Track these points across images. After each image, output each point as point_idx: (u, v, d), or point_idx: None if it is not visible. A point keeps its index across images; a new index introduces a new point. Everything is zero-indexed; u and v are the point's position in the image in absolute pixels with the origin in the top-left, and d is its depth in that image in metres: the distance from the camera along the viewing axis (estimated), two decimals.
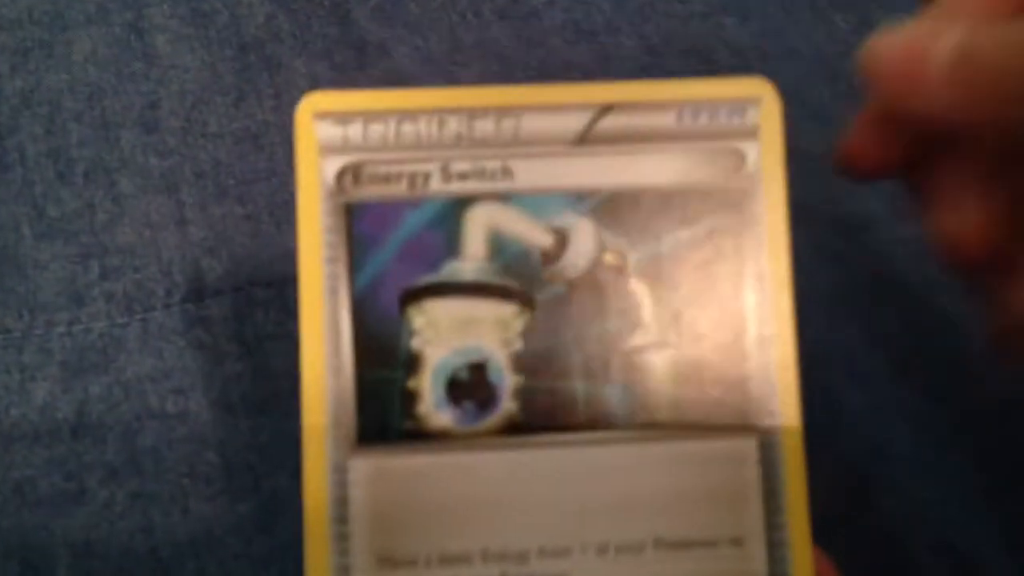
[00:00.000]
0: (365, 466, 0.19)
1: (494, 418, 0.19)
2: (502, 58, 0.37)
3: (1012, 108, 0.18)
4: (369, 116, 0.19)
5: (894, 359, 0.32)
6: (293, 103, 0.35)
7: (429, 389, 0.19)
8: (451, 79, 0.37)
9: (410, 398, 0.19)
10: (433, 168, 0.19)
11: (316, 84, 0.36)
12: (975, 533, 0.30)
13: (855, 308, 0.33)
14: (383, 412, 0.19)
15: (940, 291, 0.33)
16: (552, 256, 0.19)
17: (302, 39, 0.36)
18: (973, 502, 0.31)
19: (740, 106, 0.20)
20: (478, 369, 0.19)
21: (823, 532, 0.31)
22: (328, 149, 0.19)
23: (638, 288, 0.20)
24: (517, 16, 0.38)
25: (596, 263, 0.19)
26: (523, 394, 0.19)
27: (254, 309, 0.31)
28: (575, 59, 0.37)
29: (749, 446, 0.19)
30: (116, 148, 0.33)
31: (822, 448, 0.32)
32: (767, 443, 0.19)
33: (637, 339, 0.19)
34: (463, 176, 0.19)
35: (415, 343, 0.19)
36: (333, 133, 0.19)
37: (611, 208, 0.20)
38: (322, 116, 0.19)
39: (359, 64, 0.37)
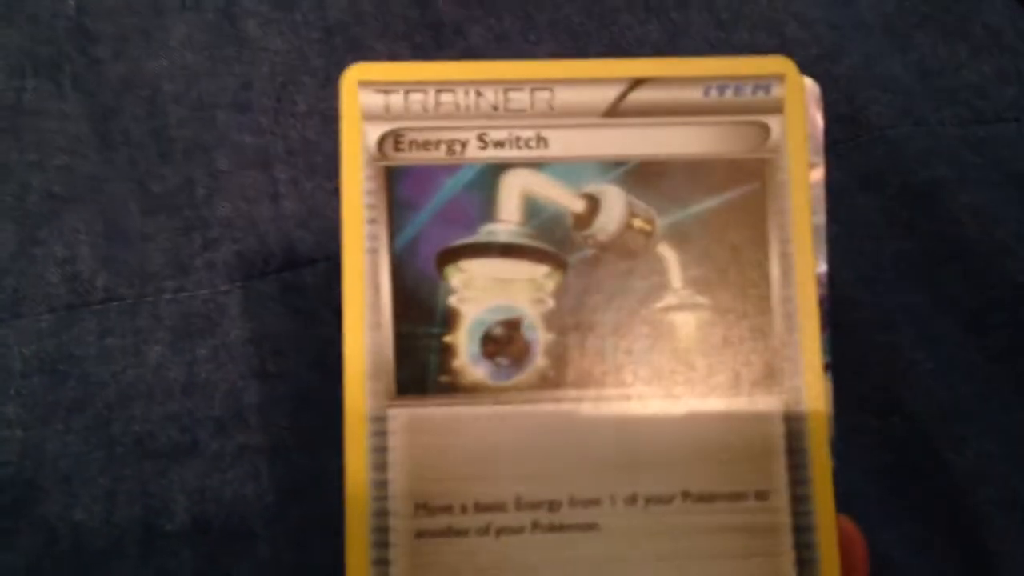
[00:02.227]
0: (403, 416, 0.20)
1: (527, 373, 0.20)
2: (575, 36, 0.39)
3: None
4: (410, 86, 0.20)
5: (962, 322, 0.32)
6: None
7: (465, 344, 0.20)
8: (524, 56, 0.38)
9: (446, 353, 0.20)
10: (470, 136, 0.20)
11: None
12: None
13: (924, 272, 0.33)
14: (420, 366, 0.20)
15: (1007, 255, 0.33)
16: (584, 221, 0.20)
17: (383, 21, 0.38)
18: None
19: (765, 82, 0.20)
20: (512, 326, 0.20)
21: (894, 489, 0.32)
22: (371, 116, 0.20)
23: (666, 252, 0.20)
24: None
25: (626, 228, 0.20)
26: (555, 351, 0.20)
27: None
28: (646, 35, 0.39)
29: (774, 403, 0.20)
30: (212, 128, 0.35)
31: (892, 407, 0.33)
32: (792, 400, 0.20)
33: (665, 300, 0.20)
34: (499, 144, 0.20)
35: (452, 300, 0.20)
36: (376, 101, 0.20)
37: (640, 176, 0.20)
38: (366, 85, 0.20)
39: (437, 44, 0.38)
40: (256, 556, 0.29)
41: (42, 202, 0.34)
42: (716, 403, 0.20)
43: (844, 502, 0.30)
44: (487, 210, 0.20)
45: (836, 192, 0.35)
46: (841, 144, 0.36)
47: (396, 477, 0.20)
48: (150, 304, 0.32)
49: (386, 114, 0.20)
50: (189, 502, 0.30)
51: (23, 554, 0.29)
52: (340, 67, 0.37)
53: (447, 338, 0.20)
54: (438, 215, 0.20)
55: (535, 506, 0.20)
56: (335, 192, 0.35)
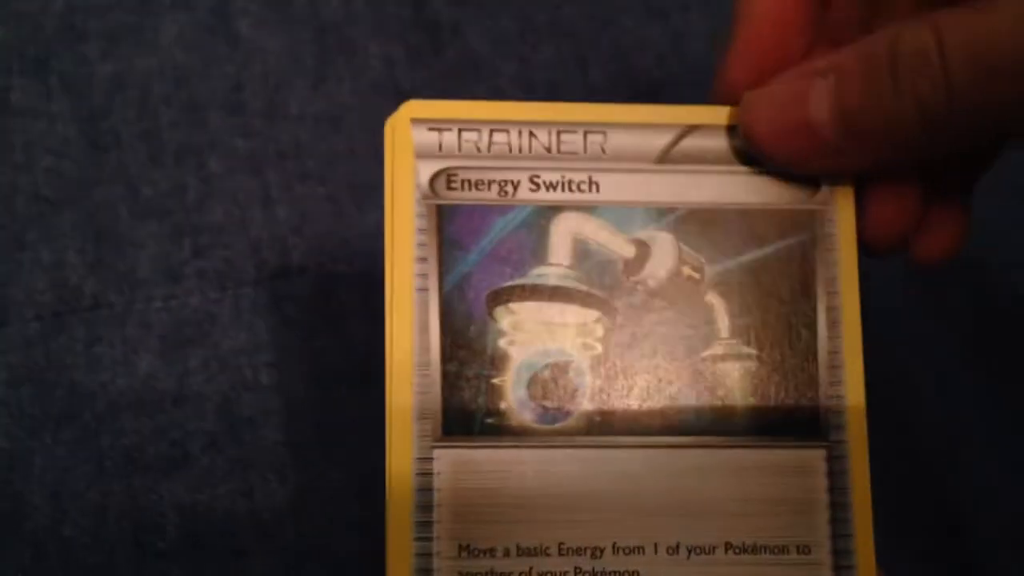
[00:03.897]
0: (449, 457, 0.20)
1: (573, 418, 0.20)
2: (574, 38, 0.38)
3: (892, 152, 0.19)
4: (463, 125, 0.20)
5: (966, 341, 0.33)
6: (369, 85, 0.37)
7: (512, 387, 0.20)
8: (522, 59, 0.38)
9: (494, 394, 0.20)
10: (522, 177, 0.20)
11: (391, 66, 0.37)
12: None
13: (929, 290, 0.33)
14: (467, 407, 0.20)
15: (1014, 272, 0.34)
16: (634, 266, 0.20)
17: (377, 21, 0.38)
18: None
19: None
20: (560, 370, 0.20)
21: (891, 513, 0.32)
22: (423, 154, 0.20)
23: (714, 300, 0.21)
24: None
25: (675, 275, 0.21)
26: (602, 396, 0.20)
27: (338, 286, 0.33)
28: (647, 38, 0.39)
29: (818, 457, 0.20)
30: (204, 130, 0.35)
31: (893, 429, 0.33)
32: (835, 455, 0.20)
33: (712, 349, 0.20)
34: (551, 186, 0.20)
35: (501, 342, 0.20)
36: (429, 139, 0.20)
37: (690, 223, 0.21)
38: (418, 122, 0.20)
39: (433, 45, 0.38)
40: (249, 574, 0.29)
41: (29, 205, 0.34)
42: (760, 454, 0.20)
43: None
44: (538, 252, 0.20)
45: None
46: None
47: (440, 518, 0.20)
48: (140, 312, 0.32)
49: (439, 152, 0.20)
50: (180, 518, 0.29)
51: (11, 571, 0.28)
52: (332, 68, 0.37)
53: (495, 380, 0.20)
54: (488, 256, 0.20)
55: (578, 552, 0.20)
56: (328, 198, 0.35)
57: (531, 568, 0.20)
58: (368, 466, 0.31)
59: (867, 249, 0.22)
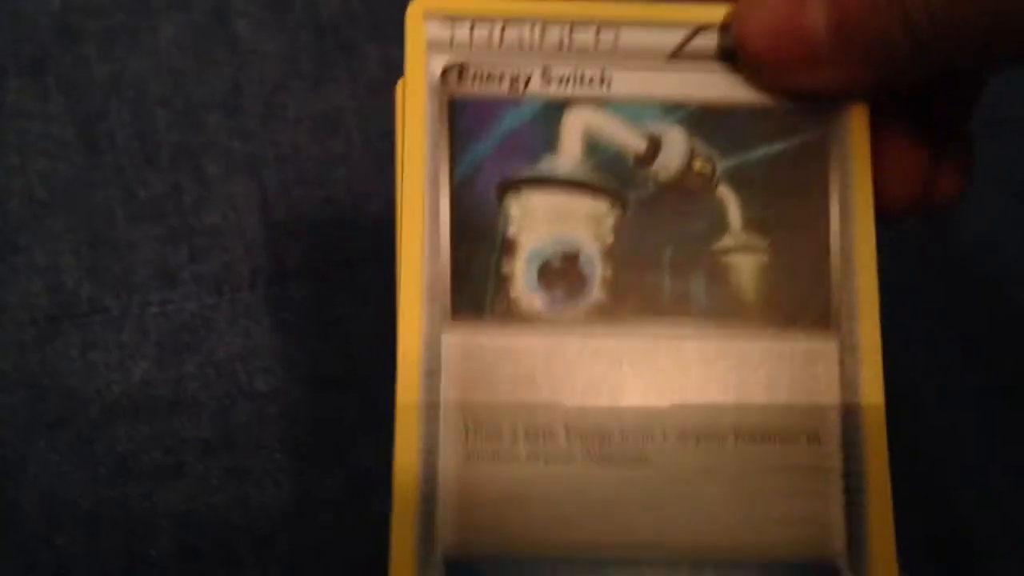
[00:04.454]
0: (458, 340, 0.20)
1: (583, 305, 0.20)
2: None
3: (882, 69, 0.19)
4: (476, 18, 0.21)
5: (969, 349, 0.33)
6: (367, 87, 0.36)
7: (522, 273, 0.20)
8: None
9: (503, 281, 0.20)
10: (534, 71, 0.21)
11: (389, 69, 0.37)
12: None
13: (933, 297, 0.34)
14: (477, 292, 0.20)
15: (1015, 274, 0.34)
16: (645, 160, 0.21)
17: (375, 23, 0.38)
18: None
19: None
20: (570, 258, 0.20)
21: (896, 521, 0.32)
22: (435, 47, 0.21)
23: (726, 195, 0.21)
24: None
25: (686, 169, 0.21)
26: (612, 285, 0.20)
27: (334, 291, 0.33)
28: None
29: (830, 347, 0.20)
30: (201, 132, 0.35)
31: (894, 431, 0.33)
32: (847, 345, 0.20)
33: (724, 242, 0.20)
34: (563, 80, 0.21)
35: (511, 230, 0.20)
36: (441, 32, 0.21)
37: (702, 119, 0.21)
38: (431, 16, 0.21)
39: None
40: None
41: (24, 208, 0.33)
42: (771, 344, 0.20)
43: None
44: (549, 144, 0.21)
45: None
46: None
47: (448, 399, 0.20)
48: (136, 317, 0.32)
49: (451, 45, 0.21)
50: (174, 527, 0.29)
51: None
52: (331, 70, 0.36)
53: (504, 267, 0.20)
54: (500, 147, 0.20)
55: (585, 435, 0.20)
56: (326, 201, 0.34)
57: (538, 452, 0.20)
58: (365, 473, 0.31)
59: (887, 212, 0.22)
